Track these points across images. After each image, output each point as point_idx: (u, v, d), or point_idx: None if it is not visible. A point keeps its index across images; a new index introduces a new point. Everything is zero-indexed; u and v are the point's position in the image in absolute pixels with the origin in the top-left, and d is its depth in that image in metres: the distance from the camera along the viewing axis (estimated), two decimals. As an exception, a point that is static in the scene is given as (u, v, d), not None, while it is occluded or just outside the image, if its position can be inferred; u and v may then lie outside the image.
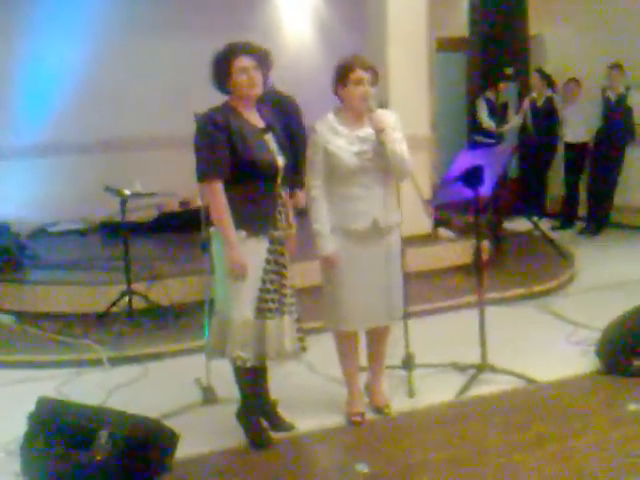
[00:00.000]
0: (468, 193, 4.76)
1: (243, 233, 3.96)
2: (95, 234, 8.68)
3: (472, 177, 4.64)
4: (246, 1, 9.44)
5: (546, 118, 9.88)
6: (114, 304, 6.10)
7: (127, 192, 6.05)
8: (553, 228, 9.56)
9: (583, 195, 9.75)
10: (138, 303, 6.21)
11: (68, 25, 8.51)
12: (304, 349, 4.27)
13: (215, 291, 4.19)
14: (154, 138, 9.19)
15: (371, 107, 4.21)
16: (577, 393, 4.81)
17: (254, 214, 3.99)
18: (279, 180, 4.09)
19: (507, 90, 8.52)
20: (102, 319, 6.11)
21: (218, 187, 3.92)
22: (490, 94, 9.58)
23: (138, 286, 6.27)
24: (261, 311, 4.04)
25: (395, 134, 4.26)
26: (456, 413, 4.60)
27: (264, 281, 4.04)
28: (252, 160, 3.95)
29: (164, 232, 8.41)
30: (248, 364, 4.04)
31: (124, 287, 6.18)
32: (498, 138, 8.77)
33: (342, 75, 4.26)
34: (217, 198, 3.93)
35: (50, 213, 8.65)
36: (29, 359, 5.62)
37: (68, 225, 8.74)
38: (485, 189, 4.82)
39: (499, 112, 9.25)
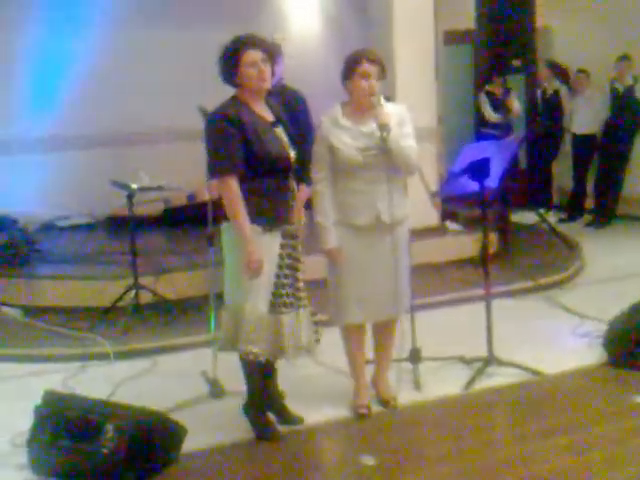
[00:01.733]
0: (475, 186, 4.75)
1: (257, 228, 3.94)
2: (102, 228, 8.69)
3: (479, 170, 4.63)
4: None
5: (552, 110, 9.86)
6: (121, 298, 6.09)
7: (134, 186, 6.03)
8: (560, 220, 9.54)
9: (590, 187, 9.72)
10: (145, 297, 6.21)
11: (74, 18, 8.49)
12: (318, 341, 4.27)
13: (225, 285, 4.17)
14: (162, 131, 9.17)
15: (375, 101, 4.19)
16: (584, 385, 4.80)
17: (268, 209, 3.98)
18: (291, 174, 4.09)
19: (507, 83, 8.44)
20: (109, 313, 6.09)
21: (233, 182, 3.90)
22: (491, 88, 9.55)
23: (145, 280, 6.26)
24: (276, 306, 4.03)
25: (404, 128, 4.24)
26: (463, 406, 4.60)
27: (278, 276, 4.03)
28: (266, 154, 3.94)
29: (171, 226, 8.41)
30: (261, 359, 4.03)
31: (131, 281, 6.18)
32: (506, 130, 8.73)
33: (349, 68, 4.24)
34: (232, 193, 3.91)
35: (58, 207, 8.63)
36: (36, 353, 5.63)
37: (76, 219, 8.75)
38: (492, 181, 4.80)
39: (501, 104, 9.24)
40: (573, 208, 9.81)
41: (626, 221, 9.40)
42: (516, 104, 9.20)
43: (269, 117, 4.11)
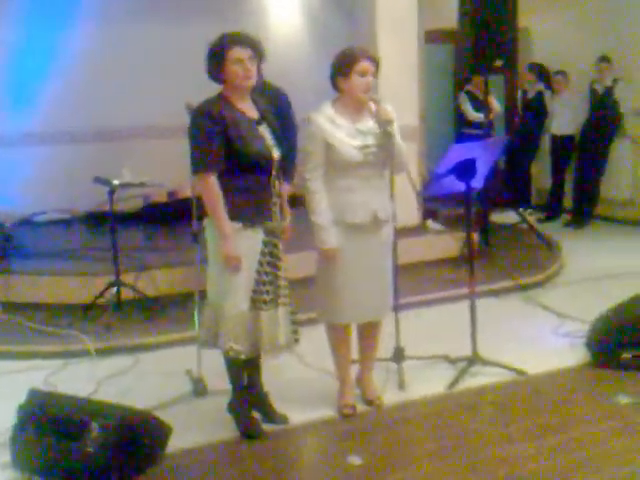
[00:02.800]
0: (460, 186, 4.76)
1: (238, 224, 3.93)
2: (81, 224, 8.61)
3: (465, 170, 4.63)
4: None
5: (535, 111, 9.92)
6: (101, 295, 6.05)
7: (116, 182, 5.98)
8: (539, 220, 9.59)
9: (569, 187, 9.79)
10: (125, 294, 6.16)
11: (59, 12, 8.42)
12: (297, 341, 4.25)
13: (208, 281, 4.16)
14: (142, 128, 9.14)
15: (375, 98, 4.18)
16: (567, 385, 4.82)
17: (249, 205, 3.97)
18: (274, 172, 4.07)
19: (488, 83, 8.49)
20: (89, 310, 6.04)
21: (212, 179, 3.90)
22: (471, 87, 9.59)
23: (126, 277, 6.21)
24: (256, 302, 4.03)
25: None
26: (447, 405, 4.60)
27: (259, 272, 4.02)
28: (248, 152, 3.93)
29: (151, 223, 8.35)
30: (242, 356, 4.02)
31: (111, 278, 6.13)
32: (487, 129, 8.76)
33: (345, 65, 4.18)
34: (211, 190, 3.90)
35: (35, 203, 8.55)
36: (16, 350, 5.57)
37: (53, 215, 8.66)
38: (477, 181, 4.81)
39: (481, 104, 9.28)
40: (551, 208, 9.87)
41: (604, 222, 9.47)
42: (496, 104, 9.25)
43: (254, 114, 4.10)
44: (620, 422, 4.26)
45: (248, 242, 3.97)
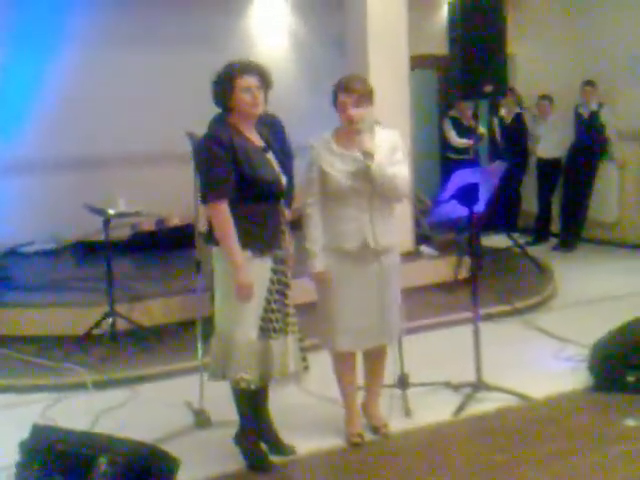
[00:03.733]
0: (463, 211, 4.75)
1: (248, 253, 3.89)
2: (68, 254, 8.50)
3: (468, 195, 4.63)
4: (224, 17, 9.38)
5: (516, 135, 9.97)
6: (96, 326, 5.95)
7: (111, 211, 5.91)
8: (526, 244, 9.60)
9: (556, 211, 9.83)
10: (120, 325, 6.07)
11: (43, 38, 8.40)
12: (307, 369, 4.20)
13: (216, 312, 4.09)
14: (129, 156, 9.07)
15: (358, 130, 4.15)
16: (573, 410, 4.80)
17: (259, 234, 3.93)
18: (282, 199, 4.05)
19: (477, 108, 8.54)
20: (83, 341, 5.94)
21: (224, 207, 3.85)
22: (454, 112, 9.64)
23: (119, 307, 6.13)
24: (265, 331, 3.98)
25: (396, 155, 4.22)
26: (454, 432, 4.57)
27: (268, 301, 3.98)
28: (258, 179, 3.90)
29: (139, 251, 8.27)
30: (252, 386, 3.96)
31: (104, 308, 6.05)
32: (472, 154, 8.79)
33: (333, 99, 4.25)
34: (223, 218, 3.85)
35: (20, 233, 8.45)
36: (10, 384, 5.46)
37: (40, 245, 8.55)
38: (479, 207, 4.81)
39: (466, 129, 9.32)
40: (539, 231, 9.89)
41: (591, 244, 9.51)
42: (481, 128, 9.28)
43: (259, 142, 4.08)
44: (630, 446, 4.24)
45: (257, 271, 3.92)
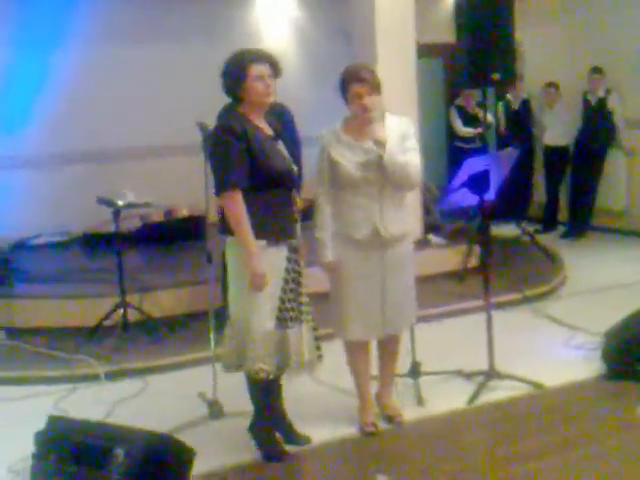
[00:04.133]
0: (473, 199, 4.74)
1: (263, 242, 3.89)
2: (77, 246, 8.51)
3: (478, 183, 4.62)
4: (228, 10, 9.36)
5: (522, 122, 9.95)
6: (107, 317, 5.96)
7: (121, 202, 5.91)
8: (535, 232, 9.58)
9: (563, 199, 9.81)
10: (131, 316, 6.07)
11: (48, 35, 8.38)
12: (320, 357, 4.20)
13: (231, 302, 4.09)
14: (136, 148, 9.09)
15: (371, 120, 4.14)
16: (586, 398, 4.81)
17: (274, 223, 3.94)
18: (294, 188, 4.05)
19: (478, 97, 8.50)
20: (94, 333, 5.95)
21: (239, 197, 3.85)
22: (460, 101, 9.61)
23: (130, 298, 6.13)
24: (282, 320, 3.98)
25: (407, 142, 4.22)
26: (468, 421, 4.58)
27: (284, 290, 3.98)
28: (272, 169, 3.91)
29: (148, 243, 8.27)
30: (271, 376, 3.97)
31: (114, 300, 6.06)
32: (480, 143, 8.78)
33: (341, 90, 4.24)
34: (238, 208, 3.85)
35: (29, 225, 8.46)
36: (22, 375, 5.48)
37: (49, 237, 8.56)
38: (489, 195, 4.80)
39: (472, 118, 9.30)
40: (547, 220, 9.87)
41: (600, 232, 9.47)
42: (488, 116, 9.25)
43: (269, 131, 4.08)
44: (646, 433, 4.24)
45: (273, 260, 3.92)
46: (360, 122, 4.21)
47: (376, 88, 4.21)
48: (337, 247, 4.25)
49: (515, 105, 10.04)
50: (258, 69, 3.90)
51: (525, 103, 10.01)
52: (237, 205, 3.85)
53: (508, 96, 10.04)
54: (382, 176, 4.18)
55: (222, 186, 3.88)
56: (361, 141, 4.21)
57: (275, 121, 4.21)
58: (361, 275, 4.27)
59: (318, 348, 4.19)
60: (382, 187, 4.21)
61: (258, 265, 3.84)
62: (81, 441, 3.71)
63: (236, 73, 3.91)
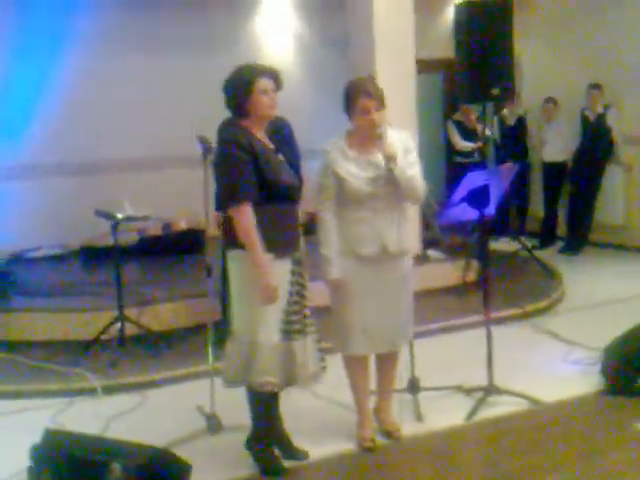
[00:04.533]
0: (473, 214, 4.74)
1: (270, 255, 3.89)
2: (74, 259, 8.49)
3: (478, 198, 4.61)
4: (227, 20, 9.39)
5: (516, 137, 9.97)
6: (105, 330, 5.94)
7: (120, 215, 5.91)
8: (533, 247, 9.57)
9: (562, 214, 9.81)
10: (128, 329, 6.05)
11: (46, 44, 8.43)
12: (324, 369, 4.20)
13: (234, 316, 4.08)
14: (135, 159, 9.08)
15: (380, 134, 4.13)
16: (585, 414, 4.79)
17: (280, 236, 3.94)
18: (298, 201, 4.06)
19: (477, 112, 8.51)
20: (92, 346, 5.93)
21: (248, 210, 3.85)
22: (458, 116, 9.63)
23: (128, 312, 6.10)
24: (287, 333, 3.98)
25: (409, 156, 4.21)
26: (467, 437, 4.55)
27: (289, 303, 3.99)
28: (279, 182, 3.93)
29: (146, 256, 8.25)
30: (277, 389, 3.97)
31: (112, 313, 6.03)
32: (480, 157, 8.79)
33: (348, 102, 4.21)
34: (248, 221, 3.85)
35: (25, 238, 8.44)
36: (19, 389, 5.46)
37: (46, 250, 8.54)
38: (489, 209, 4.80)
39: (471, 132, 9.31)
40: (545, 235, 9.87)
41: (598, 248, 9.47)
42: (486, 131, 9.27)
43: (270, 145, 4.08)
44: (645, 450, 4.23)
45: (278, 273, 3.92)
46: (366, 136, 4.20)
47: (382, 102, 4.21)
48: (343, 263, 4.22)
49: (510, 121, 10.06)
50: (263, 83, 3.93)
51: (520, 119, 10.03)
52: (247, 218, 3.85)
53: (504, 111, 10.06)
54: (390, 191, 4.17)
55: (232, 200, 3.88)
56: (367, 155, 4.20)
57: (273, 134, 4.21)
58: (365, 291, 4.25)
59: (322, 359, 4.18)
60: (388, 202, 4.21)
61: (270, 278, 3.84)
62: (77, 455, 3.70)
63: (242, 87, 3.92)
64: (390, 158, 4.10)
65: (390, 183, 4.15)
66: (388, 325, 4.31)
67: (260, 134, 4.02)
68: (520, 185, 9.74)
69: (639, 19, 9.01)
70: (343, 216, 4.22)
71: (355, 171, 4.16)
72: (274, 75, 3.99)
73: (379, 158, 4.16)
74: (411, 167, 4.19)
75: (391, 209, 4.22)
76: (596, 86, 9.11)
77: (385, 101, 4.24)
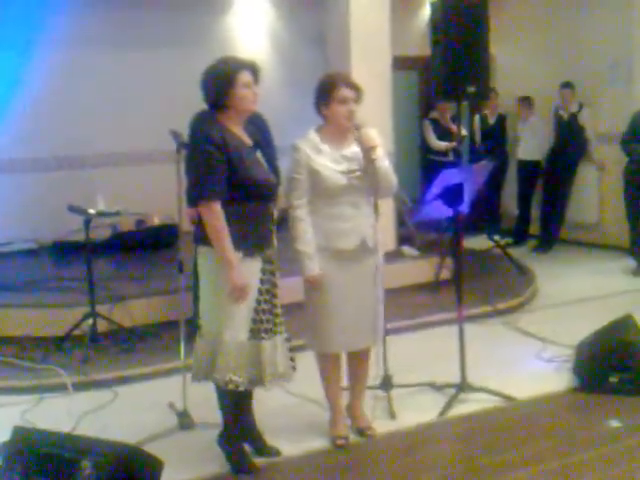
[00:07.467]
0: (447, 211, 4.74)
1: (240, 254, 3.85)
2: (46, 254, 8.39)
3: (452, 195, 4.62)
4: (203, 17, 9.34)
5: (496, 136, 10.00)
6: (77, 326, 5.88)
7: (92, 211, 5.85)
8: (506, 245, 9.60)
9: (535, 212, 9.86)
10: (100, 325, 5.99)
11: (23, 38, 8.31)
12: (294, 369, 4.16)
13: (202, 312, 4.05)
14: (107, 156, 9.01)
15: (358, 125, 4.13)
16: (557, 411, 4.81)
17: (251, 234, 3.90)
18: (272, 198, 4.01)
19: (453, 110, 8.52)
20: (63, 342, 5.87)
21: (218, 207, 3.80)
22: (434, 114, 9.63)
23: (100, 308, 6.05)
24: (255, 332, 3.94)
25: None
26: (439, 434, 4.56)
27: (259, 301, 3.94)
28: (251, 180, 3.87)
29: (119, 252, 8.19)
30: (241, 388, 3.92)
31: (84, 309, 5.97)
32: (454, 156, 8.80)
33: (325, 93, 4.17)
34: (217, 219, 3.80)
35: None
36: (-11, 385, 5.38)
37: (18, 245, 8.44)
38: (463, 207, 4.80)
39: (446, 131, 9.33)
40: (518, 233, 9.92)
41: (572, 246, 9.55)
42: (463, 131, 9.28)
43: (248, 140, 4.03)
44: (615, 447, 4.24)
45: (249, 271, 3.88)
46: (340, 129, 4.18)
47: (360, 96, 4.21)
48: (321, 260, 4.19)
49: (491, 120, 10.09)
50: (245, 76, 3.88)
51: (500, 118, 10.06)
52: (216, 216, 3.80)
53: (486, 111, 10.09)
54: (365, 183, 4.16)
55: (201, 197, 3.83)
56: (341, 150, 4.19)
57: (254, 130, 4.17)
58: (345, 286, 4.23)
59: (292, 359, 4.15)
60: (362, 196, 4.19)
61: (239, 276, 3.80)
62: (48, 453, 3.62)
63: (223, 80, 3.85)
64: (371, 148, 4.09)
65: (366, 176, 4.13)
66: (364, 322, 4.29)
67: (237, 129, 3.97)
68: (498, 182, 9.80)
69: (612, 19, 9.07)
70: (319, 212, 4.19)
71: (331, 165, 4.14)
72: (254, 69, 3.94)
73: (353, 151, 4.15)
74: (383, 160, 4.20)
75: (366, 203, 4.21)
76: (567, 85, 9.17)
77: (362, 97, 4.24)
